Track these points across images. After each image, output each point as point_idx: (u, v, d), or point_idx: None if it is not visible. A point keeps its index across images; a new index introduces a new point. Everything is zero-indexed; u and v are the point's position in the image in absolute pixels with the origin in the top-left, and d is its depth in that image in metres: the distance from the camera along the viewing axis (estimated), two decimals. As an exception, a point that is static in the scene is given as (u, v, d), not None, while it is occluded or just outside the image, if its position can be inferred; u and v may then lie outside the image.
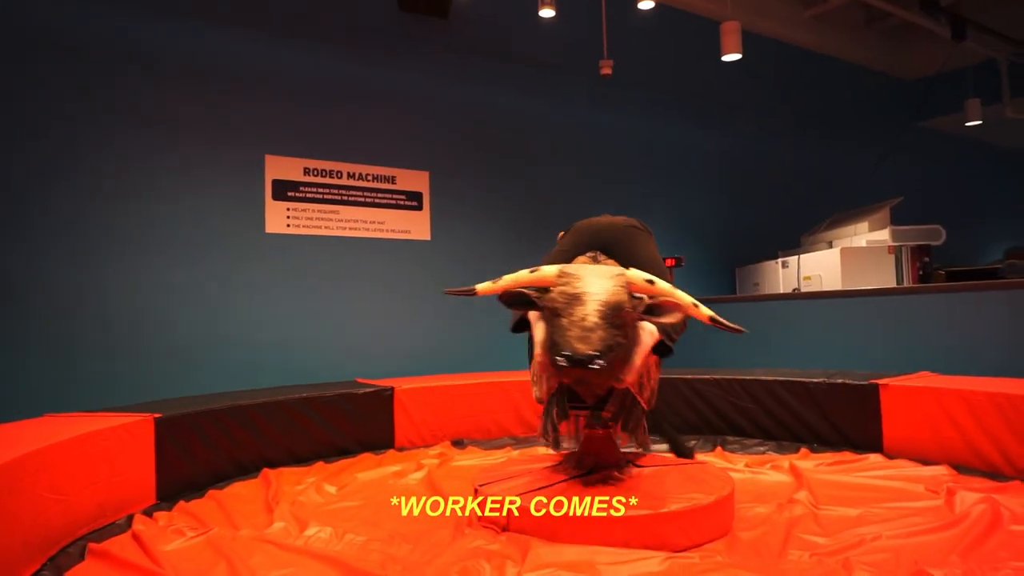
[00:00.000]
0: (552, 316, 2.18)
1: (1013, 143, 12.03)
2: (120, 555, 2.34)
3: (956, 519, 2.53)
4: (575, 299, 2.14)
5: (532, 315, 2.45)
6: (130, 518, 2.84)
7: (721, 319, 2.30)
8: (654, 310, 2.25)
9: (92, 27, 4.70)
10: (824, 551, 2.30)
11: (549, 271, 2.32)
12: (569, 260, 2.70)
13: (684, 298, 2.28)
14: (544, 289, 2.29)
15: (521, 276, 2.36)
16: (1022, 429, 3.17)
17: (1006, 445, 3.23)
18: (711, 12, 7.39)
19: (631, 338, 2.23)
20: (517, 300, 2.31)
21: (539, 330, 2.37)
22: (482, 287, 2.42)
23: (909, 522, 2.55)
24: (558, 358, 2.03)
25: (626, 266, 2.46)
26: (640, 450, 2.88)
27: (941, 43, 8.31)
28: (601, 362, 2.01)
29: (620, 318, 2.14)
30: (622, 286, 2.21)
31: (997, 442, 3.27)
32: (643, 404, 2.65)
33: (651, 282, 2.29)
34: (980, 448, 3.34)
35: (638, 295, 2.26)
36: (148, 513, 2.94)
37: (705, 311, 2.28)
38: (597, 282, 2.19)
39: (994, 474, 3.23)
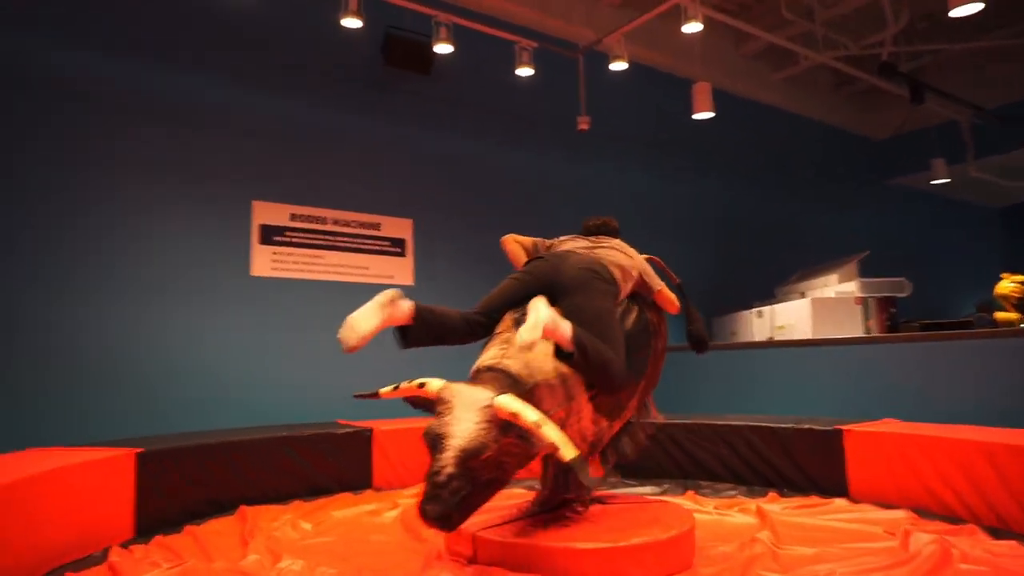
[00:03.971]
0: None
1: (980, 198, 12.45)
2: (96, 585, 2.39)
3: (908, 558, 2.64)
4: (438, 442, 2.17)
5: None
6: (107, 550, 2.88)
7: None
8: (524, 435, 2.19)
9: (80, 67, 4.87)
10: (779, 585, 2.39)
11: (432, 388, 2.35)
12: (510, 304, 2.77)
13: (549, 435, 2.16)
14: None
15: (410, 387, 2.43)
16: (976, 475, 3.29)
17: (961, 490, 3.35)
18: (685, 72, 7.73)
19: (492, 470, 2.22)
20: (421, 405, 2.43)
21: None
22: (385, 391, 2.53)
23: (862, 560, 2.65)
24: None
25: (568, 316, 2.48)
26: (605, 487, 2.98)
27: (907, 105, 8.71)
28: (449, 523, 2.11)
29: (476, 463, 2.14)
30: (486, 423, 2.17)
31: (953, 487, 3.39)
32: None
33: (516, 415, 2.18)
34: (938, 493, 3.45)
35: (509, 421, 2.19)
36: (125, 546, 2.98)
37: (570, 452, 2.16)
38: (461, 420, 2.18)
39: (952, 518, 3.34)
